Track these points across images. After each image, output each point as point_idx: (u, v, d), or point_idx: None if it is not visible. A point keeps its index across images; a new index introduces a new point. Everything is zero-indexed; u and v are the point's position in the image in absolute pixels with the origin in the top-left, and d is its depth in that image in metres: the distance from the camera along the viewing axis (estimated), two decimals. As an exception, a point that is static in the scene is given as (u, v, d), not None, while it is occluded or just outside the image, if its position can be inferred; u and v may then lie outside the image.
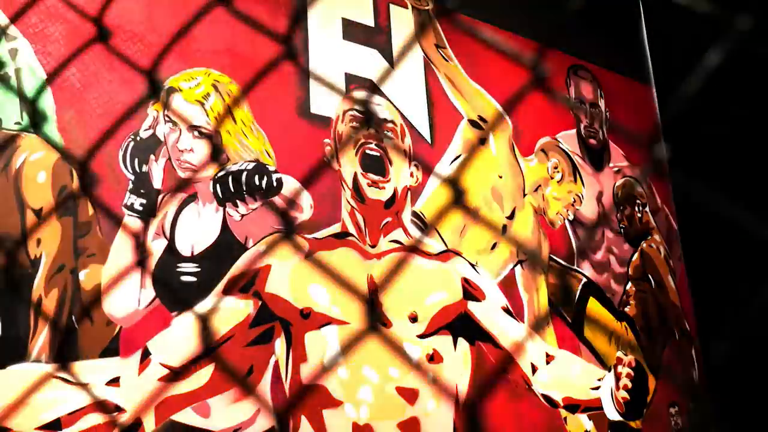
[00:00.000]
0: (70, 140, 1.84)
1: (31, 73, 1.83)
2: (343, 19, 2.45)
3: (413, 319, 2.23)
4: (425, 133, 2.52)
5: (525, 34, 2.86)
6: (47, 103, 1.84)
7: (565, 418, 2.56)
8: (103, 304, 1.80)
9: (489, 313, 2.41)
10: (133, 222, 1.89)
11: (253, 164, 2.06)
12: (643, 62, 3.36)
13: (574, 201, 2.84)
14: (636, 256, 3.01)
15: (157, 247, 1.91)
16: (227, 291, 1.97)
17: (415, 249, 2.36)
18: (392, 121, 2.41)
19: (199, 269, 1.94)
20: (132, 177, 1.90)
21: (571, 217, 2.82)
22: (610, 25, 3.21)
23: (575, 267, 2.79)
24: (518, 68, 2.81)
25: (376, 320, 2.17)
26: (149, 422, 1.78)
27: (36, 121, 1.80)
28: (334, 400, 2.05)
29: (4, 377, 1.63)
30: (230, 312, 1.96)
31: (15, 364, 1.65)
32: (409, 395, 2.16)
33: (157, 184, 1.94)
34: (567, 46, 3.09)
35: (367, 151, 2.31)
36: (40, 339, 1.70)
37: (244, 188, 2.03)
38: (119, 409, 1.74)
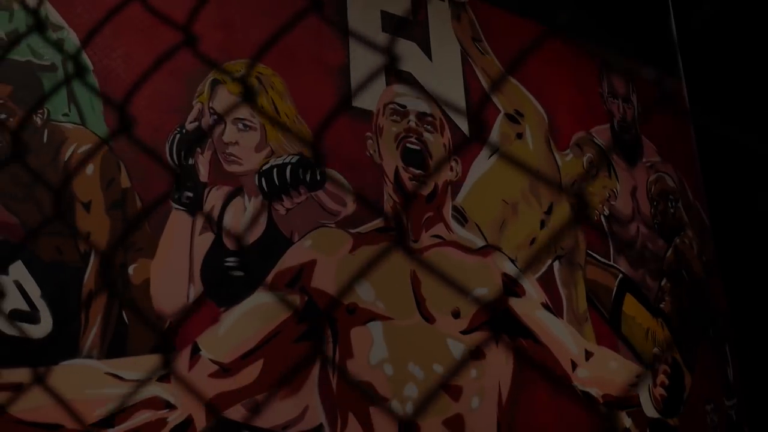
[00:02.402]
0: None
1: (77, 63, 1.79)
2: (382, 12, 2.42)
3: (456, 314, 2.20)
4: (463, 126, 2.48)
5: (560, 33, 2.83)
6: (93, 93, 1.81)
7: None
8: (153, 299, 1.77)
9: (529, 309, 2.38)
10: (180, 215, 1.85)
11: (297, 158, 2.03)
12: (674, 56, 3.33)
13: (609, 196, 2.82)
14: (670, 252, 2.98)
15: (204, 241, 1.88)
16: (274, 286, 1.94)
17: (456, 244, 2.33)
18: (431, 115, 2.38)
19: (246, 264, 1.91)
20: (179, 170, 1.87)
21: (606, 213, 2.79)
22: (641, 19, 3.18)
23: (612, 262, 2.76)
24: (556, 65, 2.78)
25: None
26: (200, 419, 1.74)
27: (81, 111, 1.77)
28: (381, 396, 2.02)
29: (56, 373, 1.60)
30: (277, 307, 1.92)
31: (66, 360, 1.62)
32: (454, 392, 2.13)
33: (203, 177, 1.90)
34: (598, 40, 3.06)
35: (408, 145, 2.28)
36: (91, 335, 1.66)
37: (289, 182, 1.99)
38: (170, 406, 1.71)
